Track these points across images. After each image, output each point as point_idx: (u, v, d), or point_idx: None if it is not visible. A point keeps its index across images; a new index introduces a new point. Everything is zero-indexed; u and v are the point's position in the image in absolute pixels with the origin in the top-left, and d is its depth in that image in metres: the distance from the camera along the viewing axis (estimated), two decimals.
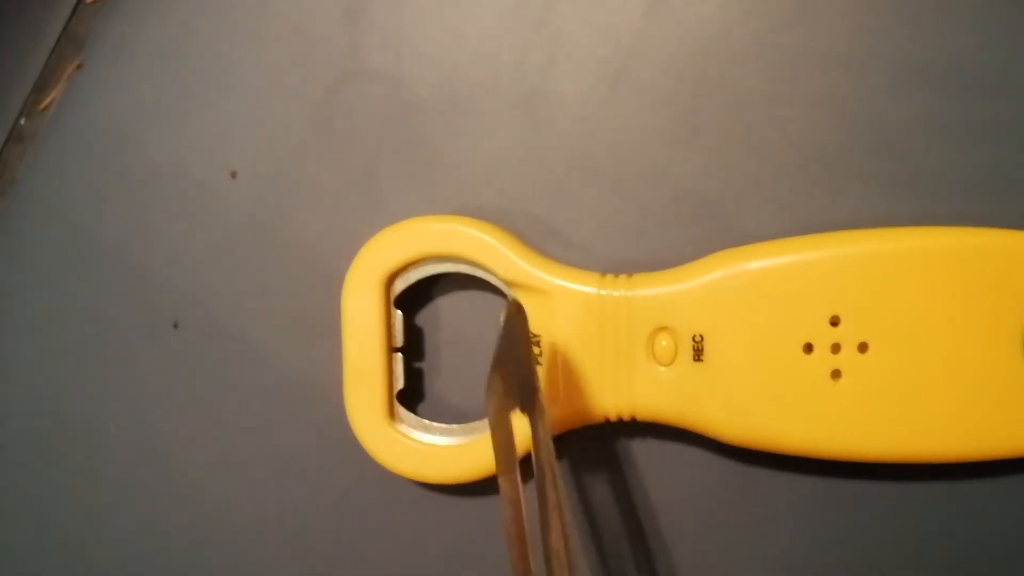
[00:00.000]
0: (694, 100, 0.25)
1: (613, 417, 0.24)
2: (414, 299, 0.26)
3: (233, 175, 0.27)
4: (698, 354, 0.23)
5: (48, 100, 0.29)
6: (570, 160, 0.26)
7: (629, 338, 0.24)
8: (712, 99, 0.25)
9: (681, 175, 0.25)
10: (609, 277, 0.24)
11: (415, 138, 0.26)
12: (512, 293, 0.25)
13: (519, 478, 0.21)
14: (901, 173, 0.25)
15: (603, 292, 0.24)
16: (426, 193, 0.26)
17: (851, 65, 0.25)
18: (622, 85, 0.26)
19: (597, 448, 0.26)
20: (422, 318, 0.27)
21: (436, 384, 0.27)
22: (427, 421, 0.26)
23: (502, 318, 0.22)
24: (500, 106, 0.26)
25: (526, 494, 0.20)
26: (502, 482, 0.21)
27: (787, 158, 0.25)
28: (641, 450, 0.26)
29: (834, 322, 0.23)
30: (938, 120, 0.24)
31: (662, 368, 0.24)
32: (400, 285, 0.25)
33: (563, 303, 0.24)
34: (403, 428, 0.26)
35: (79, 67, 0.28)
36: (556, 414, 0.24)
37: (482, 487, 0.25)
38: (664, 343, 0.24)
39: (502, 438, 0.21)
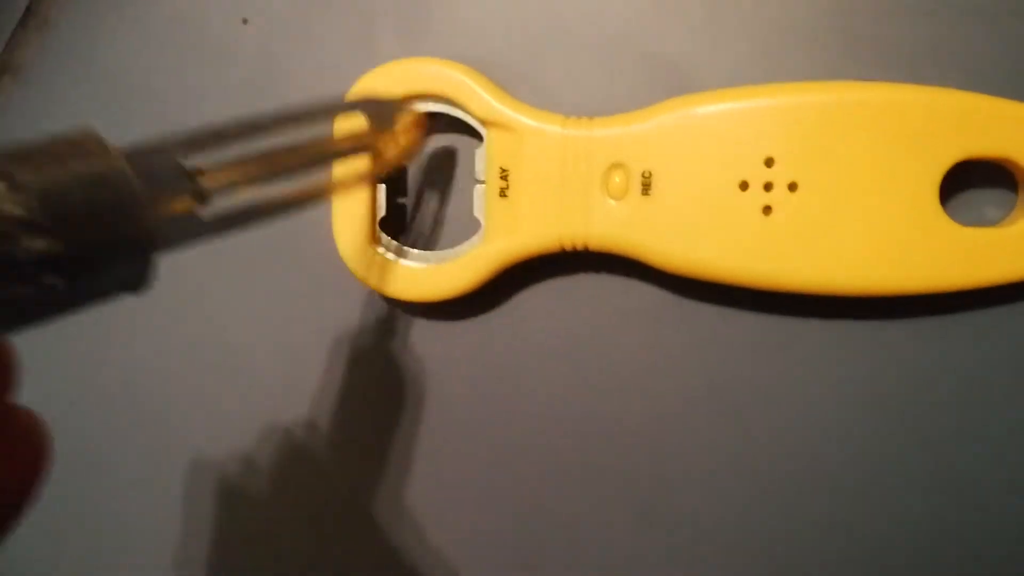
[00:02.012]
0: None
1: (569, 246, 0.27)
2: None
3: (245, 21, 0.30)
4: (646, 189, 0.26)
5: None
6: (546, 18, 0.28)
7: (587, 174, 0.27)
8: None
9: (645, 36, 0.28)
10: (572, 119, 0.27)
11: None
12: (487, 131, 0.27)
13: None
14: (849, 42, 0.27)
15: (566, 131, 0.27)
16: (416, 43, 0.29)
17: None
18: None
19: (554, 278, 0.29)
20: None
21: (415, 217, 0.30)
22: (405, 247, 0.29)
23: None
24: None
25: None
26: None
27: (744, 25, 0.27)
28: (593, 281, 0.28)
29: (768, 163, 0.25)
30: None
31: (614, 201, 0.26)
32: None
33: (530, 141, 0.27)
34: (383, 252, 0.28)
35: None
36: (519, 240, 0.27)
37: (451, 310, 0.28)
38: (617, 179, 0.26)
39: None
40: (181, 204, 0.17)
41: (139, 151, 0.16)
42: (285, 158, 0.21)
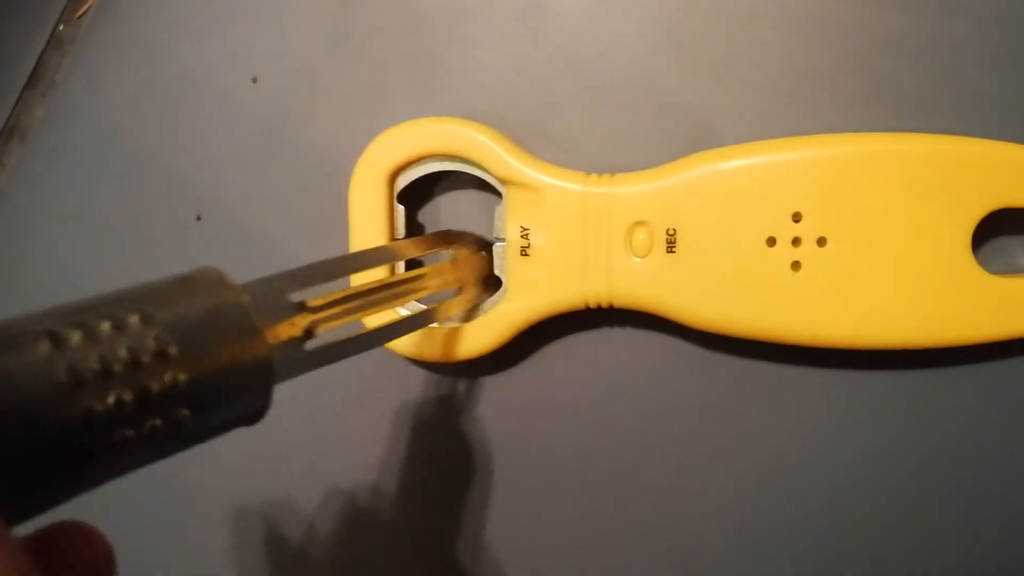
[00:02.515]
0: (680, 16, 0.27)
1: (593, 304, 0.26)
2: (416, 196, 0.29)
3: (254, 80, 0.30)
4: (671, 246, 0.26)
5: (85, 8, 0.31)
6: (563, 71, 0.28)
7: (609, 232, 0.26)
8: (697, 16, 0.27)
9: (665, 87, 0.27)
10: (593, 176, 0.26)
11: (421, 49, 0.29)
12: (506, 190, 0.27)
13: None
14: (870, 88, 0.26)
15: (587, 189, 0.26)
16: (430, 100, 0.29)
17: None
18: (613, 0, 0.27)
19: (578, 332, 0.28)
20: (423, 214, 0.29)
21: None
22: (423, 305, 0.28)
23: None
24: (500, 19, 0.28)
25: None
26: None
27: (765, 72, 0.27)
28: (618, 335, 0.28)
29: (796, 218, 0.25)
30: (905, 39, 0.26)
31: (638, 259, 0.26)
32: (402, 181, 0.28)
33: (551, 199, 0.26)
34: (402, 311, 0.28)
35: None
36: (542, 299, 0.27)
37: (470, 368, 0.28)
38: (641, 236, 0.26)
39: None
40: (291, 337, 0.18)
41: (256, 286, 0.17)
42: (381, 293, 0.22)
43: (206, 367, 0.15)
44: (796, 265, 0.25)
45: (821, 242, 0.25)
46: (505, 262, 0.27)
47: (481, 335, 0.27)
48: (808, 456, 0.27)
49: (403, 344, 0.28)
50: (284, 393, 0.30)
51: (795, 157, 0.25)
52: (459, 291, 0.27)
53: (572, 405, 0.28)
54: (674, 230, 0.26)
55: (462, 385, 0.29)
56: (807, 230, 0.25)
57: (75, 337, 0.14)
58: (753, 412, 0.27)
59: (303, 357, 0.19)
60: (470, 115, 0.28)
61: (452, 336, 0.28)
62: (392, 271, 0.28)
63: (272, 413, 0.30)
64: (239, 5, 0.29)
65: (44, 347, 0.13)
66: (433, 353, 0.28)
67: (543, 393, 0.29)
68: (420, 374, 0.29)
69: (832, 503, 0.27)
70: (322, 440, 0.30)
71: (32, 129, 0.31)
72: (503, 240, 0.27)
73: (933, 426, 0.27)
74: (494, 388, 0.29)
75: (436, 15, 0.28)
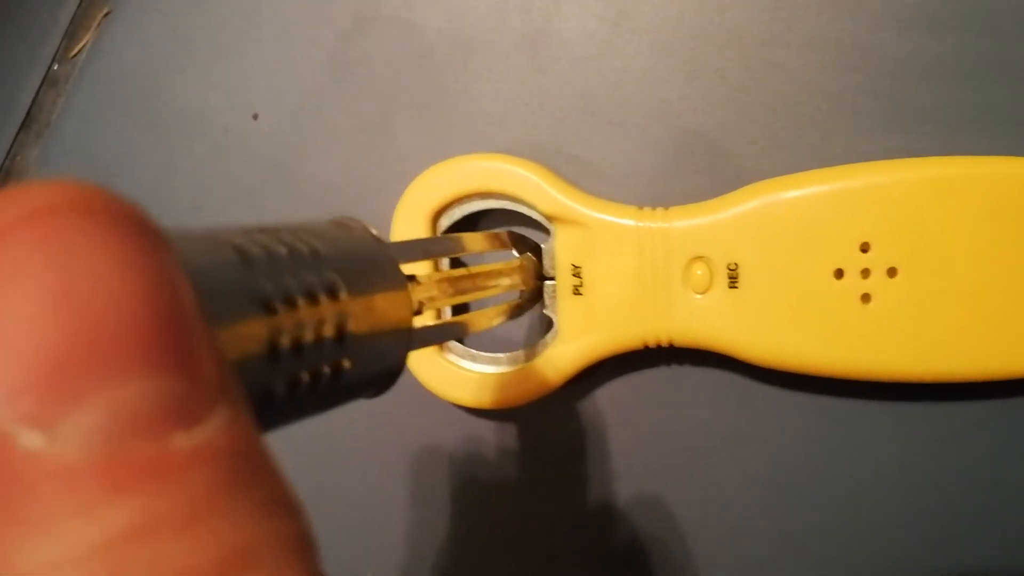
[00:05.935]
0: (693, 41, 0.26)
1: (652, 343, 0.25)
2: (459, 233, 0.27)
3: (255, 117, 0.28)
4: (733, 282, 0.24)
5: (79, 47, 0.30)
6: (573, 100, 0.27)
7: (667, 268, 0.25)
8: (710, 40, 0.26)
9: (680, 114, 0.26)
10: (647, 210, 0.25)
11: (426, 81, 0.27)
12: (555, 227, 0.26)
13: None
14: (892, 111, 0.25)
15: (641, 224, 0.25)
16: (436, 133, 0.27)
17: (844, 6, 0.25)
18: (624, 26, 0.26)
19: (638, 372, 0.27)
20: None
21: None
22: (473, 350, 0.27)
23: None
24: (507, 48, 0.27)
25: None
26: None
27: (782, 97, 0.26)
28: (679, 374, 0.27)
29: (864, 248, 0.24)
30: (928, 59, 0.25)
31: (698, 296, 0.25)
32: (446, 221, 0.27)
33: (603, 235, 0.25)
34: (451, 357, 0.27)
35: (107, 15, 0.29)
36: (599, 340, 0.26)
37: (524, 413, 0.27)
38: (700, 272, 0.25)
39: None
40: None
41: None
42: (466, 283, 0.21)
43: (370, 316, 0.14)
44: (866, 297, 0.24)
45: (891, 273, 0.24)
46: (556, 302, 0.26)
47: (534, 380, 0.26)
48: (874, 491, 0.26)
49: (452, 391, 0.27)
50: (331, 442, 0.29)
51: (861, 184, 0.24)
52: (522, 293, 0.25)
53: (630, 447, 0.27)
54: (736, 264, 0.24)
55: (513, 430, 0.28)
56: (876, 261, 0.24)
57: (262, 259, 0.12)
58: (822, 450, 0.26)
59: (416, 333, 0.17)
60: (477, 148, 0.27)
61: (501, 381, 0.26)
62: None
63: (319, 464, 0.29)
64: (238, 40, 0.28)
65: (235, 261, 0.12)
66: (484, 400, 0.27)
67: (599, 435, 0.27)
68: (471, 421, 0.28)
69: (906, 539, 0.26)
70: (372, 490, 0.29)
71: (28, 171, 0.30)
72: (551, 279, 0.26)
73: (1011, 459, 0.26)
74: (546, 432, 0.28)
75: (440, 46, 0.27)
